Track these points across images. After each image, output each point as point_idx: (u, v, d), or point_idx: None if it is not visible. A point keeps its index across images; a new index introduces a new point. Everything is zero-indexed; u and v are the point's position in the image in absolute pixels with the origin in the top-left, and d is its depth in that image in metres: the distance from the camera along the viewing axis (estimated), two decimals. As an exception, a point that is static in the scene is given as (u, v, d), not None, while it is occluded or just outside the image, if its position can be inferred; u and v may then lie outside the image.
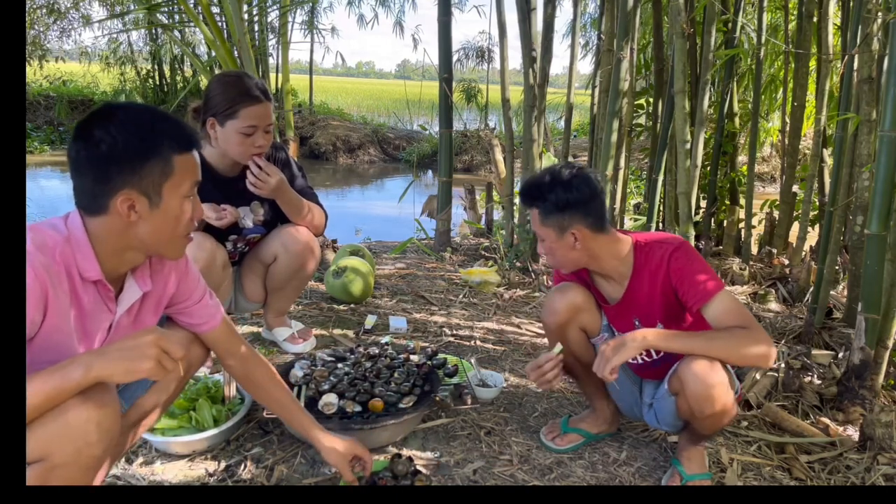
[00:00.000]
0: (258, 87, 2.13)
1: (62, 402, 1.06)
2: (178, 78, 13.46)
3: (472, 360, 2.41)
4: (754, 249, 4.50)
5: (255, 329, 2.79)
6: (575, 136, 11.10)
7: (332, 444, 1.60)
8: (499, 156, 5.24)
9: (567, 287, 1.89)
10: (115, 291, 1.30)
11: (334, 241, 3.96)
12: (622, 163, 4.04)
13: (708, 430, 1.76)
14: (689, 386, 1.61)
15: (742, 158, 5.44)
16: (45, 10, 13.50)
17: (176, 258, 1.36)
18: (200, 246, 2.15)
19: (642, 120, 5.10)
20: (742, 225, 4.47)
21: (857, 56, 2.75)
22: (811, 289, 3.39)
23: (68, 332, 1.21)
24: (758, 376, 2.43)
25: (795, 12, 4.30)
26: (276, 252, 2.38)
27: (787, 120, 4.44)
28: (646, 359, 1.84)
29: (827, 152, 4.14)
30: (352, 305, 3.18)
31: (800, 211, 4.10)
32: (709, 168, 4.63)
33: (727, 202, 4.77)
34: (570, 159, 5.40)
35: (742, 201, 4.54)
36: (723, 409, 1.64)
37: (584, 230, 1.69)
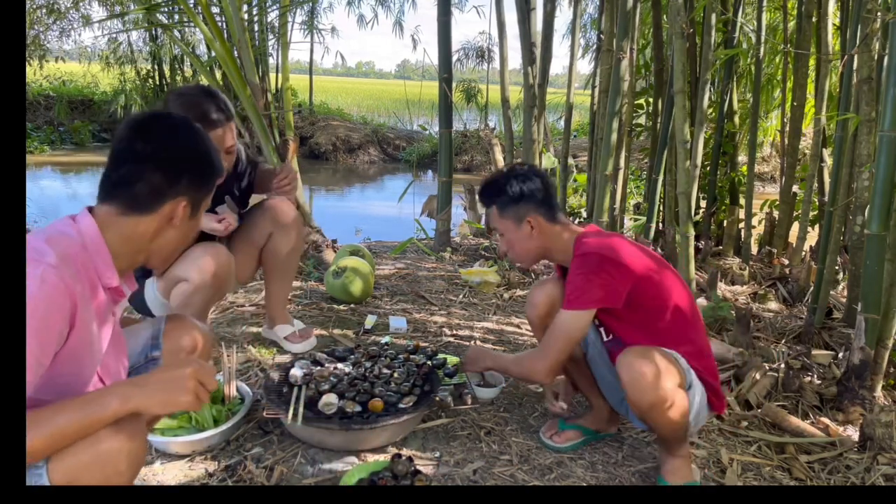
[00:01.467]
0: (218, 107, 2.07)
1: (95, 431, 1.07)
2: (178, 78, 13.46)
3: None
4: (754, 249, 4.50)
5: (255, 329, 2.78)
6: (575, 136, 11.09)
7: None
8: (499, 156, 5.25)
9: (546, 281, 2.00)
10: None
11: (334, 241, 3.96)
12: (622, 163, 4.05)
13: (665, 429, 1.70)
14: (621, 376, 1.66)
15: (742, 158, 5.45)
16: (45, 10, 13.49)
17: (160, 269, 1.39)
18: (226, 257, 2.17)
19: (642, 120, 5.10)
20: (742, 225, 4.47)
21: (856, 56, 2.75)
22: (811, 289, 3.39)
23: (90, 342, 1.21)
24: (757, 376, 2.44)
25: (794, 12, 4.30)
26: (269, 229, 2.42)
27: (787, 120, 4.44)
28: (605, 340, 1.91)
29: (827, 152, 4.15)
30: (352, 305, 3.18)
31: (800, 211, 4.10)
32: (709, 168, 4.63)
33: (727, 202, 4.78)
34: (571, 159, 5.39)
35: (742, 201, 4.54)
36: (658, 399, 1.61)
37: (539, 218, 1.83)
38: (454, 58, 7.03)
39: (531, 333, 2.98)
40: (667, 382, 1.62)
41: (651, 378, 1.60)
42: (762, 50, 4.32)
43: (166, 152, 1.21)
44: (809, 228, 4.02)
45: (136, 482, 1.69)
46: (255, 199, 2.58)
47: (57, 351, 1.14)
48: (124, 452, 1.09)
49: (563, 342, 1.76)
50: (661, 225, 4.41)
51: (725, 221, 4.62)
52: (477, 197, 2.06)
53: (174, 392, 1.11)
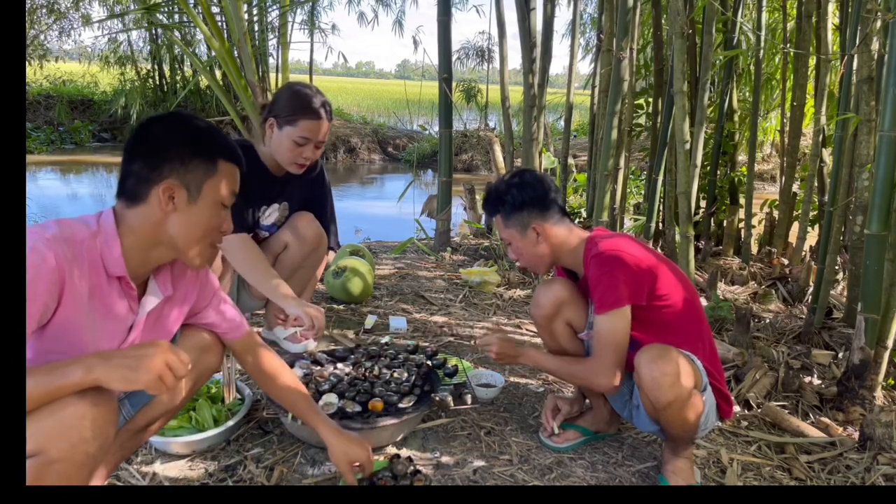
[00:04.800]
0: (323, 104, 2.24)
1: (59, 398, 1.09)
2: (178, 78, 13.47)
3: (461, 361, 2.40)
4: (754, 249, 4.50)
5: (255, 329, 2.78)
6: (575, 136, 11.10)
7: (342, 446, 1.61)
8: (499, 156, 5.25)
9: (553, 281, 1.95)
10: (139, 293, 1.33)
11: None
12: (622, 162, 4.04)
13: (677, 429, 1.71)
14: (640, 374, 1.64)
15: (742, 158, 5.45)
16: (45, 11, 13.50)
17: (198, 266, 1.37)
18: None
19: (642, 120, 5.10)
20: (742, 225, 4.47)
21: (856, 56, 2.74)
22: (811, 289, 3.39)
23: (83, 326, 1.23)
24: (757, 376, 2.44)
25: (793, 13, 4.30)
26: (287, 240, 2.43)
27: (787, 120, 4.44)
28: None
29: (827, 152, 4.15)
30: (352, 305, 3.18)
31: (800, 211, 4.10)
32: (708, 168, 4.63)
33: (727, 202, 4.78)
34: (571, 159, 5.39)
35: (742, 201, 4.54)
36: (677, 398, 1.61)
37: (543, 225, 1.81)
38: (454, 58, 7.04)
39: (532, 333, 2.98)
40: (686, 382, 1.62)
41: (672, 376, 1.60)
42: (762, 50, 4.31)
43: (145, 144, 1.26)
44: (809, 228, 4.02)
45: (136, 482, 1.69)
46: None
47: (43, 325, 1.16)
48: (88, 418, 1.10)
49: (614, 347, 1.72)
50: (661, 225, 4.40)
51: (725, 221, 4.62)
52: (481, 209, 2.02)
53: (136, 370, 1.10)
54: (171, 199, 1.25)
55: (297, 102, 2.20)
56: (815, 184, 3.98)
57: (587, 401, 2.11)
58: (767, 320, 3.23)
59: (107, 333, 1.28)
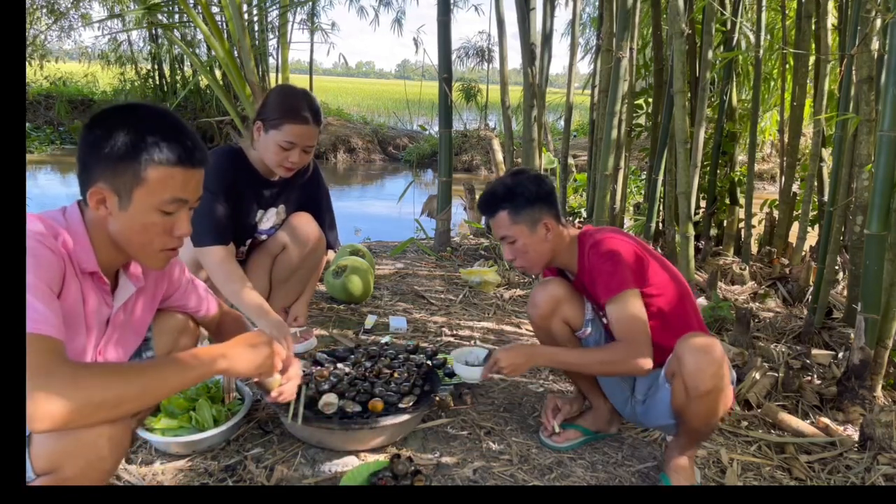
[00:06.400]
0: (310, 108, 2.20)
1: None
2: (178, 78, 13.47)
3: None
4: (754, 249, 4.50)
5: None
6: (575, 136, 11.10)
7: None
8: (499, 156, 5.25)
9: (549, 281, 1.95)
10: (111, 286, 1.34)
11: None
12: (622, 162, 4.04)
13: (700, 421, 1.68)
14: (684, 360, 1.60)
15: (742, 158, 5.44)
16: (45, 10, 13.50)
17: (154, 268, 1.36)
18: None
19: (642, 120, 5.10)
20: (742, 225, 4.47)
21: (856, 56, 2.74)
22: (811, 289, 3.39)
23: (77, 319, 1.23)
24: (757, 376, 2.44)
25: (792, 13, 4.30)
26: (285, 241, 2.43)
27: (787, 119, 4.44)
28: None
29: (826, 152, 4.14)
30: (352, 305, 3.18)
31: (800, 211, 4.10)
32: (708, 168, 4.63)
33: (727, 202, 4.78)
34: (571, 159, 5.39)
35: (742, 201, 4.54)
36: (715, 387, 1.59)
37: (551, 221, 1.80)
38: (454, 57, 7.05)
39: (531, 333, 2.98)
40: (726, 372, 1.63)
41: (716, 365, 1.58)
42: (762, 50, 4.31)
43: (83, 143, 1.23)
44: (809, 228, 4.01)
45: (136, 482, 1.69)
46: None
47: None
48: (105, 436, 1.09)
49: (640, 327, 1.68)
50: (661, 225, 4.40)
51: (725, 221, 4.62)
52: (478, 206, 1.99)
53: (256, 355, 1.31)
54: (102, 203, 1.21)
55: (284, 106, 2.17)
56: (815, 184, 3.99)
57: (587, 401, 2.11)
58: (767, 320, 3.23)
59: (89, 329, 1.28)
